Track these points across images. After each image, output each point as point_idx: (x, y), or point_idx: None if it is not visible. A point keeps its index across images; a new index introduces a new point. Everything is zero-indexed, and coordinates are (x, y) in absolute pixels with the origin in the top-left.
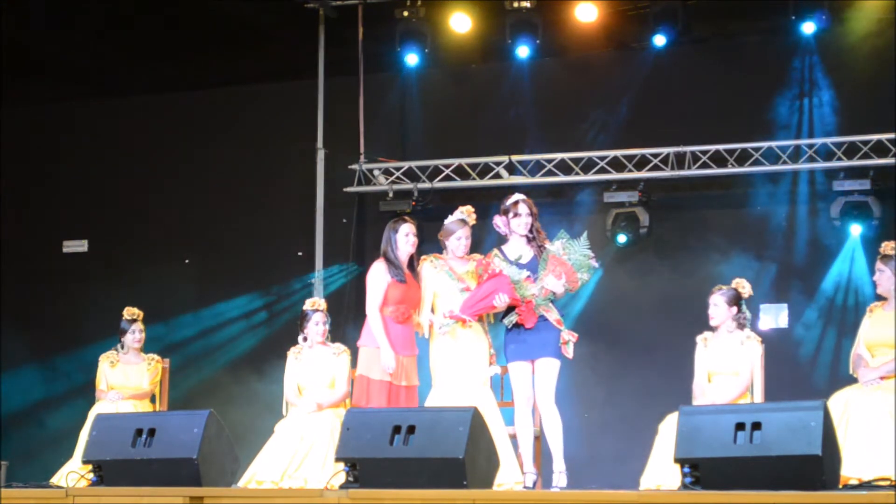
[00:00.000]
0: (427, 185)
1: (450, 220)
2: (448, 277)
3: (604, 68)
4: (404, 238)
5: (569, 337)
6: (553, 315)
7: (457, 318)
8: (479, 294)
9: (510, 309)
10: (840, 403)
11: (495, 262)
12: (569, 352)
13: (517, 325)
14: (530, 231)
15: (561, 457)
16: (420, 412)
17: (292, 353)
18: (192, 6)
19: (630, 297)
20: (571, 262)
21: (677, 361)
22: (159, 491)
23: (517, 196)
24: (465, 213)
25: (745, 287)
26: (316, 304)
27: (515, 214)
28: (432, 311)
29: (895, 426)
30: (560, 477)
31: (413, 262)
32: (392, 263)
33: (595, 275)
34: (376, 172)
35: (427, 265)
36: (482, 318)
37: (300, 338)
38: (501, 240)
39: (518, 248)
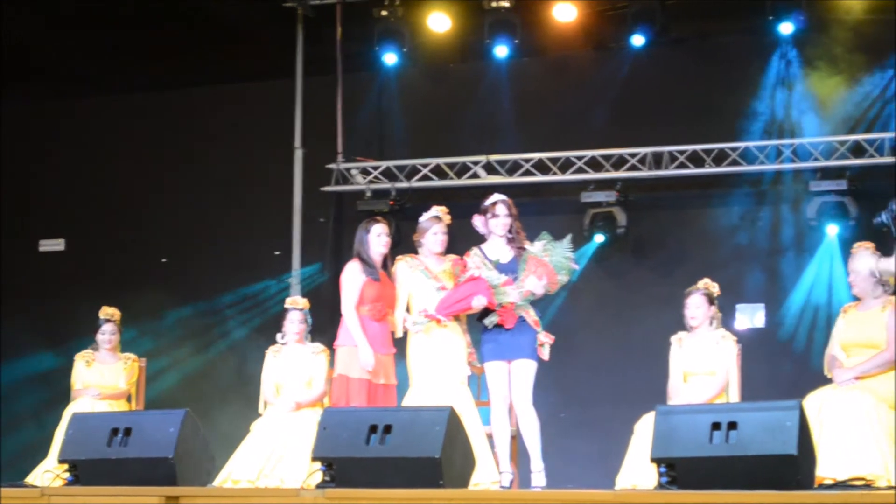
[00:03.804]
0: (405, 184)
1: (424, 218)
2: (424, 276)
3: (582, 68)
4: (376, 238)
5: (545, 339)
6: (531, 316)
7: (431, 318)
8: (456, 295)
9: (489, 310)
10: (815, 403)
11: (474, 261)
12: (545, 354)
13: (496, 325)
14: (509, 231)
15: (539, 456)
16: (396, 412)
17: (271, 352)
18: (169, 5)
19: (607, 296)
20: (552, 263)
21: (654, 361)
22: (135, 490)
23: (496, 196)
24: (440, 210)
25: (714, 286)
26: (294, 303)
27: (494, 215)
28: (408, 310)
29: (869, 426)
30: (539, 476)
31: (387, 262)
32: (366, 263)
33: (573, 275)
34: (354, 172)
35: (402, 265)
36: (459, 316)
37: (278, 336)
38: (479, 240)
39: (497, 248)
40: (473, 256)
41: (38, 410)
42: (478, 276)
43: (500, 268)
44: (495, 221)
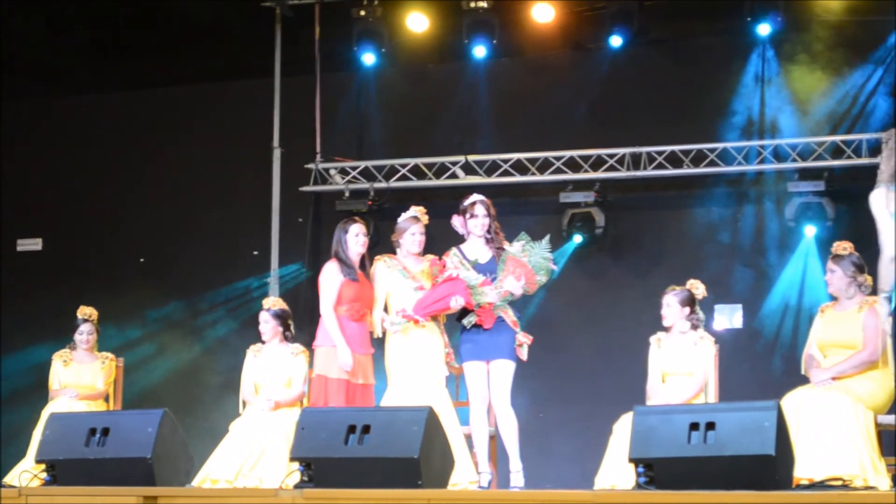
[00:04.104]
0: (383, 184)
1: (402, 219)
2: (402, 276)
3: (560, 69)
4: (354, 238)
5: (524, 339)
6: (510, 316)
7: (409, 318)
8: (434, 296)
9: (467, 310)
10: (793, 404)
11: (452, 261)
12: (523, 354)
13: (475, 325)
14: (488, 232)
15: (517, 457)
16: (375, 412)
17: (251, 352)
18: (148, 5)
19: (585, 297)
20: (531, 263)
21: (632, 361)
22: (113, 490)
23: (475, 197)
24: (418, 211)
25: (698, 288)
26: (265, 303)
27: (472, 215)
28: (386, 310)
29: (847, 426)
30: (517, 476)
31: (365, 263)
32: (344, 263)
33: (551, 276)
34: (332, 172)
35: (380, 265)
36: (437, 316)
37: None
38: (458, 240)
39: (476, 248)
40: (452, 256)
41: (15, 409)
42: (456, 276)
43: (479, 268)
44: (474, 222)
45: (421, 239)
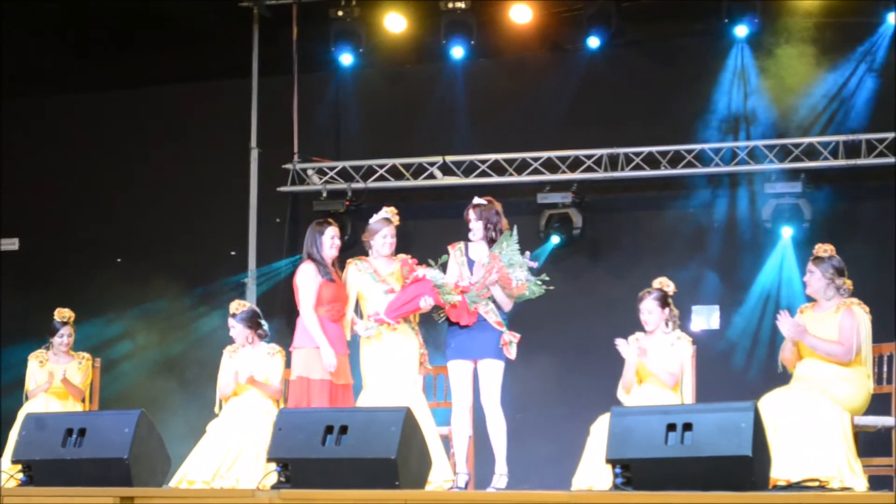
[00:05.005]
0: (361, 185)
1: (374, 220)
2: (372, 279)
3: (538, 69)
4: (329, 241)
5: (511, 338)
6: (493, 318)
7: (382, 322)
8: (403, 297)
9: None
10: (771, 405)
11: (455, 255)
12: (511, 352)
13: (454, 323)
14: (488, 232)
15: (504, 460)
16: (352, 412)
17: (227, 352)
18: (124, 5)
19: (562, 298)
20: (502, 257)
21: (609, 362)
22: (90, 491)
23: (475, 201)
24: (389, 212)
25: (669, 285)
26: (231, 308)
27: (467, 219)
28: (359, 314)
29: (823, 428)
30: (501, 479)
31: (335, 265)
32: (319, 264)
33: (531, 272)
34: (310, 172)
35: (352, 267)
36: (409, 317)
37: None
38: (441, 241)
39: (477, 248)
40: (456, 250)
41: None
42: (422, 276)
43: (473, 266)
44: (470, 225)
45: (392, 241)
